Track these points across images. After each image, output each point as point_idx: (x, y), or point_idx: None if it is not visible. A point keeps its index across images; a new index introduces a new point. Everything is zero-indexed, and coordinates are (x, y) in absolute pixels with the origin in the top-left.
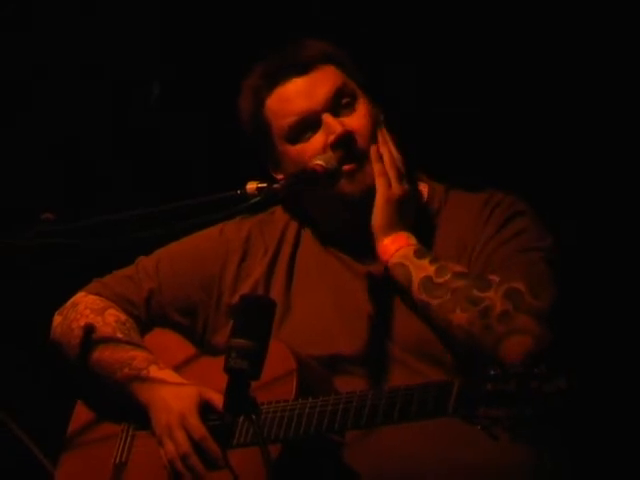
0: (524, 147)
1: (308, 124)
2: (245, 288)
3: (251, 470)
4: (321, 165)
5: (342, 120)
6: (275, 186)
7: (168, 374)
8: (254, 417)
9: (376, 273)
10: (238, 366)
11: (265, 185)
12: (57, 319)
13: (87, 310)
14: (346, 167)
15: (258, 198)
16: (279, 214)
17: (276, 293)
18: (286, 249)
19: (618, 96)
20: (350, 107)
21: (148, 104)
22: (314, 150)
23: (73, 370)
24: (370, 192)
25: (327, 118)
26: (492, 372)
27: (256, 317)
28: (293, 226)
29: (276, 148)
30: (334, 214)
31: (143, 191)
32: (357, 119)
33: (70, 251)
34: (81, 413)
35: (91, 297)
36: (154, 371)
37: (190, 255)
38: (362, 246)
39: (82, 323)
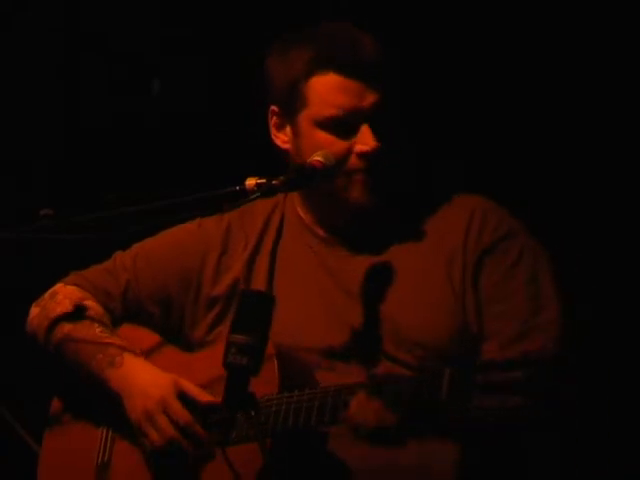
0: (524, 148)
1: (345, 124)
2: (226, 280)
3: (243, 460)
4: (320, 161)
5: (376, 137)
6: (274, 182)
7: (143, 363)
8: (253, 413)
9: (365, 266)
10: (238, 362)
11: (264, 181)
12: (34, 310)
13: (66, 300)
14: (361, 178)
15: (258, 194)
16: (260, 204)
17: (258, 286)
18: (268, 241)
19: (618, 96)
20: (388, 130)
21: (148, 101)
22: (337, 150)
23: (51, 361)
24: (369, 210)
25: (365, 127)
26: (480, 362)
27: (255, 313)
28: (276, 217)
29: (298, 121)
30: (334, 213)
31: (142, 187)
32: (390, 145)
33: (70, 246)
34: (57, 414)
35: (70, 287)
36: (129, 358)
37: (168, 248)
38: (353, 241)
39: (59, 312)
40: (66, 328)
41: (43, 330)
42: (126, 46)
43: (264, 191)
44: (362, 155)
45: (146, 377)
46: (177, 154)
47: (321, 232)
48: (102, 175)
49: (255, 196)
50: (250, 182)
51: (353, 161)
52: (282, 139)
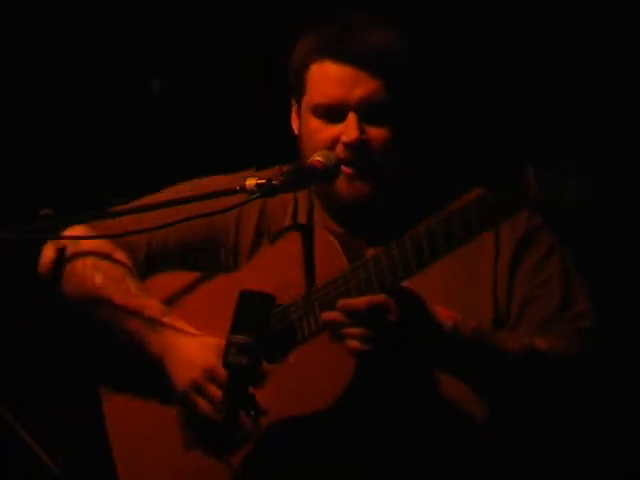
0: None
1: (334, 112)
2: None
3: (337, 358)
4: (320, 161)
5: (366, 128)
6: (274, 182)
7: (183, 328)
8: (253, 414)
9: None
10: (237, 362)
11: (264, 182)
12: (51, 248)
13: (94, 246)
14: (346, 170)
15: (257, 195)
16: None
17: None
18: (302, 217)
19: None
20: (381, 120)
21: (148, 101)
22: (324, 137)
23: (71, 307)
24: (362, 202)
25: (351, 117)
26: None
27: (255, 313)
28: (304, 199)
29: (301, 107)
30: (329, 203)
31: (142, 187)
32: (382, 135)
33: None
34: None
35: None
36: (168, 323)
37: (196, 207)
38: (354, 234)
39: (87, 248)
40: (97, 279)
41: (70, 273)
42: (126, 46)
43: (264, 191)
44: (345, 145)
45: (188, 344)
46: (177, 154)
47: (335, 225)
48: (102, 175)
49: (255, 196)
50: (250, 182)
51: (339, 150)
52: (296, 125)
